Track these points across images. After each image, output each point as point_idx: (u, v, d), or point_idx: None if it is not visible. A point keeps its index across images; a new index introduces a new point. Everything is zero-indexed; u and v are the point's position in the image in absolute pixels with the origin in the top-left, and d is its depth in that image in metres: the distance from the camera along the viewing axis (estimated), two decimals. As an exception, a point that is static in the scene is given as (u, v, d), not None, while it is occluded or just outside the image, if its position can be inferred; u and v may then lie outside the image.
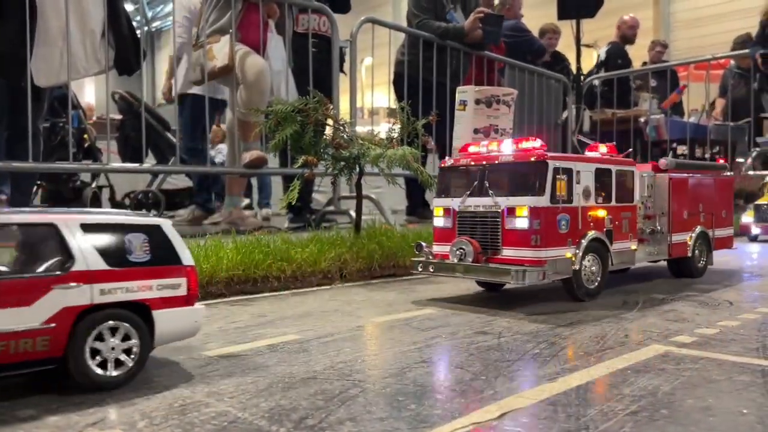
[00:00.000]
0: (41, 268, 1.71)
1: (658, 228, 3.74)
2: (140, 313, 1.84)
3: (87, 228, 1.79)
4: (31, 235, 1.76)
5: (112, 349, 1.78)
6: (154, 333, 1.87)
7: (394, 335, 2.46)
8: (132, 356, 1.81)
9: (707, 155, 8.79)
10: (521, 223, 2.92)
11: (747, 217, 6.83)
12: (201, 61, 5.81)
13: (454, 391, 1.77)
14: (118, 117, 8.44)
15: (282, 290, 3.52)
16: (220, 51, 5.74)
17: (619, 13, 10.67)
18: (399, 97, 6.65)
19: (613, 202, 3.31)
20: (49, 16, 5.03)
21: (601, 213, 3.22)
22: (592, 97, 9.43)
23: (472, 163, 3.21)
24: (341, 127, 4.23)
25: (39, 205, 8.16)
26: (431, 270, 3.20)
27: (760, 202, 6.72)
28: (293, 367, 2.02)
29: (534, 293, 3.51)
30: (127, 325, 1.80)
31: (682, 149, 8.74)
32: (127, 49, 5.56)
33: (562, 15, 8.66)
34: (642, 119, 9.11)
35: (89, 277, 1.74)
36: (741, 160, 8.96)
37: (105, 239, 1.81)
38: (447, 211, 3.25)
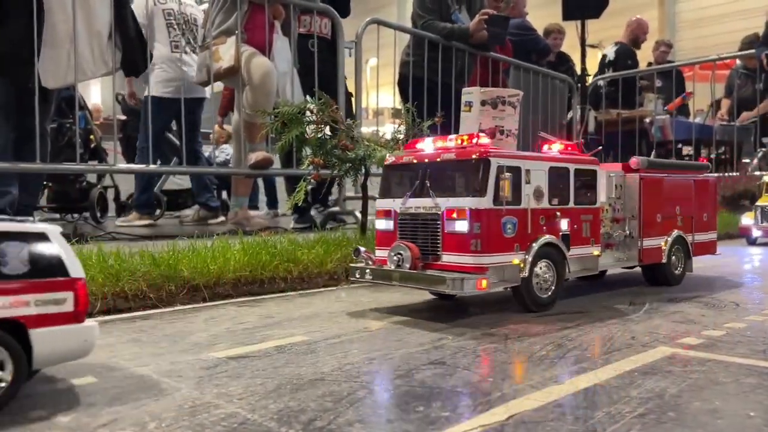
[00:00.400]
0: None
1: (628, 232, 3.53)
2: (14, 332, 1.61)
3: None
4: None
5: None
6: (32, 355, 1.63)
7: (401, 337, 2.47)
8: (2, 382, 1.59)
9: (713, 156, 8.78)
10: (461, 226, 2.69)
11: (747, 219, 6.48)
12: (207, 62, 5.83)
13: (462, 393, 1.78)
14: (123, 118, 8.49)
15: (289, 291, 3.53)
16: (226, 52, 5.76)
17: (624, 13, 10.67)
18: (404, 97, 6.66)
19: (571, 204, 3.05)
20: (56, 18, 5.06)
21: (556, 216, 2.97)
22: (597, 97, 9.42)
23: (415, 161, 2.97)
24: (347, 129, 4.24)
25: (45, 206, 8.21)
26: (369, 277, 2.96)
27: (761, 203, 6.41)
28: (301, 368, 2.03)
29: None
30: None
31: (687, 150, 8.73)
32: (133, 51, 5.59)
33: (567, 15, 8.66)
34: (647, 120, 9.11)
35: None
36: (747, 160, 8.94)
37: None
38: (388, 212, 3.02)
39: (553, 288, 2.97)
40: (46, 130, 5.56)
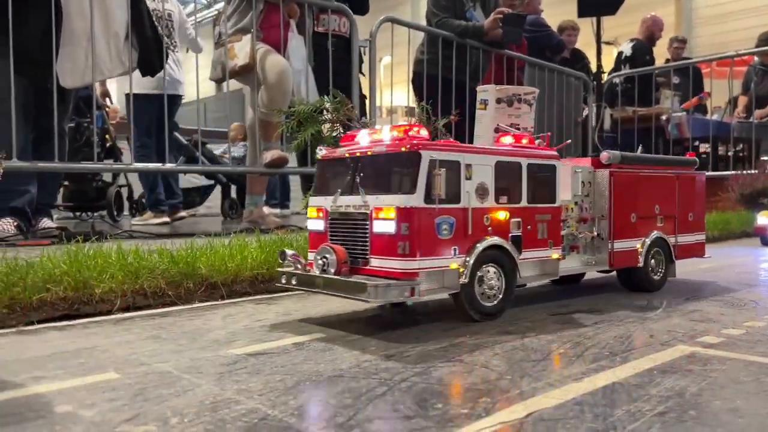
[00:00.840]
0: None
1: (596, 233, 3.28)
2: None
3: None
4: None
5: None
6: None
7: (418, 334, 2.48)
8: None
9: (730, 153, 8.68)
10: (388, 227, 2.42)
11: (763, 218, 6.39)
12: (222, 59, 5.87)
13: (480, 391, 1.78)
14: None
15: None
16: (241, 50, 5.81)
17: (641, 9, 10.60)
18: (418, 95, 6.67)
19: (524, 203, 2.78)
20: (74, 18, 5.12)
21: (504, 215, 2.70)
22: (612, 94, 9.36)
23: (347, 155, 2.70)
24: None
25: (61, 205, 8.31)
26: (294, 283, 2.69)
27: None
28: (320, 365, 2.04)
29: (556, 293, 3.51)
30: None
31: (704, 147, 8.65)
32: (150, 51, 5.65)
33: (582, 12, 8.61)
34: (664, 117, 9.03)
35: None
36: (766, 158, 8.84)
37: None
38: (319, 212, 2.77)
39: (500, 296, 2.70)
40: (64, 129, 5.64)
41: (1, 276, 2.67)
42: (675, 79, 9.49)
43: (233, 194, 9.84)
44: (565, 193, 3.15)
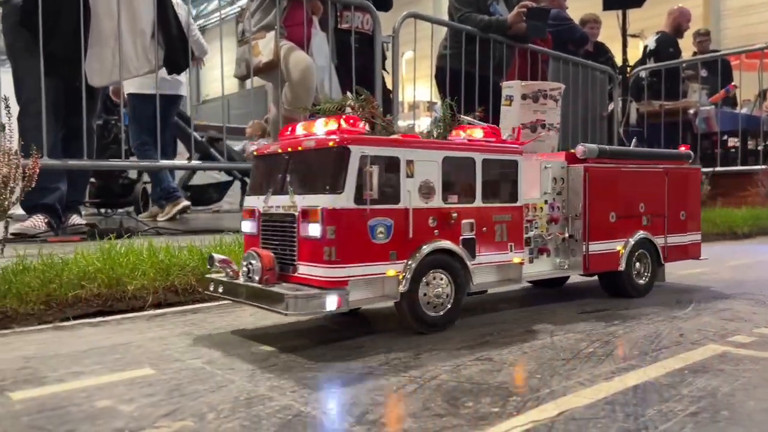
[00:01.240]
0: None
1: (567, 234, 3.02)
2: None
3: None
4: None
5: None
6: None
7: (446, 332, 2.49)
8: None
9: (760, 147, 8.52)
10: (313, 230, 2.21)
11: None
12: (246, 56, 5.92)
13: (510, 389, 1.79)
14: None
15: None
16: (265, 47, 5.84)
17: (668, 1, 10.41)
18: (441, 91, 6.65)
19: (479, 202, 2.55)
20: (101, 18, 5.21)
21: (453, 216, 2.45)
22: (638, 88, 9.24)
23: (279, 150, 2.48)
24: (386, 125, 4.25)
25: (88, 201, 8.45)
26: (220, 291, 2.47)
27: None
28: (350, 362, 2.07)
29: (582, 291, 3.50)
30: None
31: (733, 141, 8.50)
32: (175, 49, 5.73)
33: (608, 5, 8.50)
34: (691, 111, 8.89)
35: None
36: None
37: None
38: (252, 212, 2.55)
39: (449, 304, 2.46)
40: (93, 127, 5.74)
41: (38, 273, 2.74)
42: (703, 72, 9.33)
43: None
44: (532, 191, 2.94)
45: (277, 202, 2.40)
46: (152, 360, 2.11)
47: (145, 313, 2.87)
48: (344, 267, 2.19)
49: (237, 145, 10.09)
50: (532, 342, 2.32)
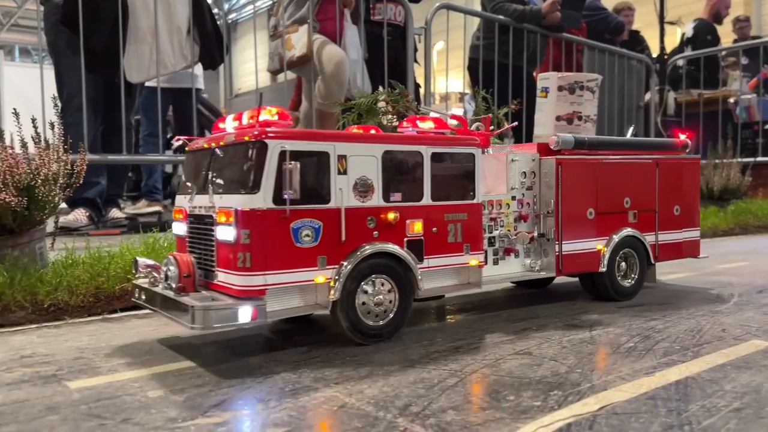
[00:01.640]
0: None
1: (535, 233, 2.77)
2: None
3: None
4: None
5: None
6: None
7: (484, 326, 2.50)
8: None
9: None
10: (228, 233, 2.02)
11: None
12: (279, 50, 5.97)
13: (551, 384, 1.80)
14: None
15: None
16: (298, 41, 5.89)
17: (706, -13, 10.13)
18: (474, 82, 6.62)
19: (427, 200, 2.33)
20: (139, 16, 5.33)
21: (395, 216, 2.22)
22: (676, 77, 9.03)
23: (205, 145, 2.31)
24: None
25: (125, 195, 8.65)
26: (143, 299, 2.28)
27: None
28: (390, 355, 2.10)
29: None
30: None
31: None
32: (211, 45, 5.82)
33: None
34: (731, 100, 8.66)
35: None
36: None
37: None
38: (180, 212, 2.38)
39: (392, 313, 2.26)
40: (131, 122, 5.88)
41: (87, 267, 2.84)
42: (743, 60, 9.08)
43: None
44: (498, 186, 2.75)
45: (200, 202, 2.23)
46: (199, 352, 2.17)
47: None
48: (261, 275, 1.99)
49: None
50: (571, 336, 2.33)
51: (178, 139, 2.61)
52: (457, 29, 6.57)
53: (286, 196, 1.99)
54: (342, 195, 2.13)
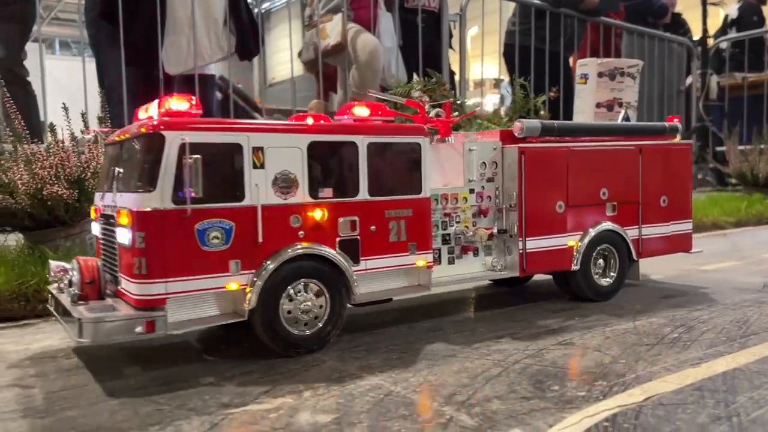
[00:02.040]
0: None
1: (495, 229, 2.50)
2: None
3: None
4: None
5: None
6: None
7: (525, 316, 2.51)
8: None
9: None
10: (124, 237, 1.84)
11: None
12: (314, 40, 6.01)
13: (595, 374, 1.80)
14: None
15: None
16: (332, 30, 5.92)
17: (750, -34, 9.77)
18: (510, 69, 6.55)
19: (363, 195, 2.10)
20: (176, 7, 5.40)
21: (323, 214, 2.02)
22: (719, 60, 8.78)
23: (116, 139, 2.11)
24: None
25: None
26: (52, 306, 2.09)
27: None
28: (433, 344, 2.13)
29: (663, 273, 3.43)
30: None
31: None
32: (247, 36, 5.87)
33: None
34: (778, 83, 8.38)
35: None
36: None
37: None
38: (97, 212, 2.18)
39: (322, 322, 2.04)
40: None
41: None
42: (790, 41, 8.78)
43: None
44: (455, 179, 2.50)
45: (108, 200, 2.05)
46: (244, 341, 2.23)
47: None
48: (160, 282, 1.79)
49: None
50: (614, 327, 2.31)
51: (89, 132, 2.45)
52: (492, 13, 6.50)
53: (184, 194, 1.78)
54: (258, 191, 1.90)
